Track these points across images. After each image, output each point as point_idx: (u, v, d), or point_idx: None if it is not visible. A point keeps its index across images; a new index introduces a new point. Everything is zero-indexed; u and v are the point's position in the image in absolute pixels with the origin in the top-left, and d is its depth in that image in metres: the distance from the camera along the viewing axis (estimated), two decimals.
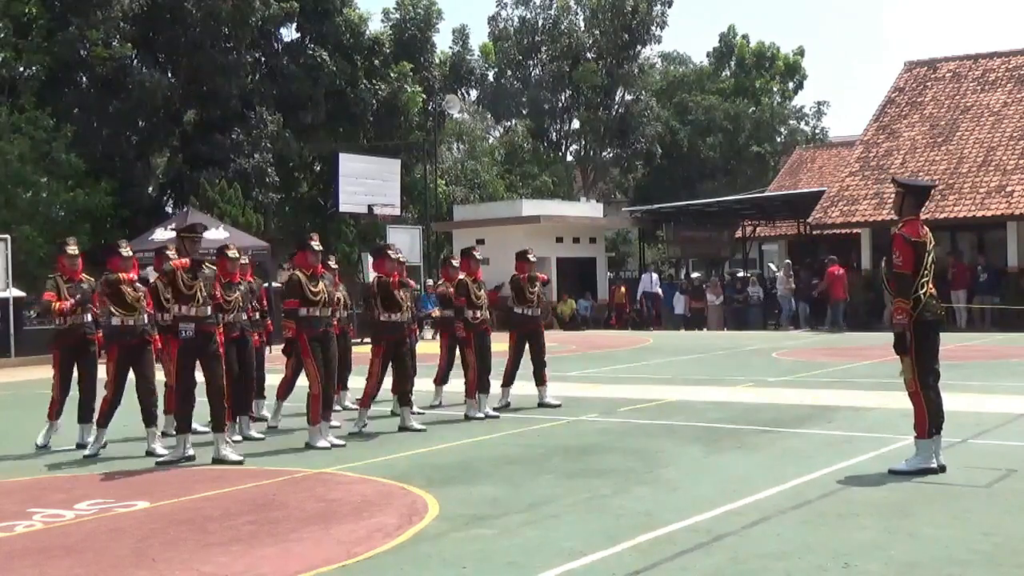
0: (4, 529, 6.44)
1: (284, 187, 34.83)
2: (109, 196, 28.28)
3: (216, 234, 22.15)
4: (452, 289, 11.27)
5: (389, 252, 10.38)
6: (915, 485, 6.88)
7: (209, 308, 8.80)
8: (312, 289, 9.37)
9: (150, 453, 9.01)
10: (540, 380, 11.52)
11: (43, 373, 18.93)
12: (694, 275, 33.90)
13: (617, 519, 6.20)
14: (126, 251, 9.49)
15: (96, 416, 9.35)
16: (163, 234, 22.51)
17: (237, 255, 10.15)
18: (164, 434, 9.48)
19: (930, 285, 7.29)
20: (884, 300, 22.28)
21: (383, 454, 8.80)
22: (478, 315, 11.00)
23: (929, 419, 7.19)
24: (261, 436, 9.94)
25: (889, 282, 7.46)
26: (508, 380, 11.52)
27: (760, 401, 11.60)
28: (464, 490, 7.20)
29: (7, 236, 21.84)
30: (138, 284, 9.41)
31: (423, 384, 11.84)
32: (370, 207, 28.04)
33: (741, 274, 30.69)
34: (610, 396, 11.72)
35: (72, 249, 9.77)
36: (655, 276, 31.03)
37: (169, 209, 33.09)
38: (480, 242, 29.48)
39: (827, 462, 7.72)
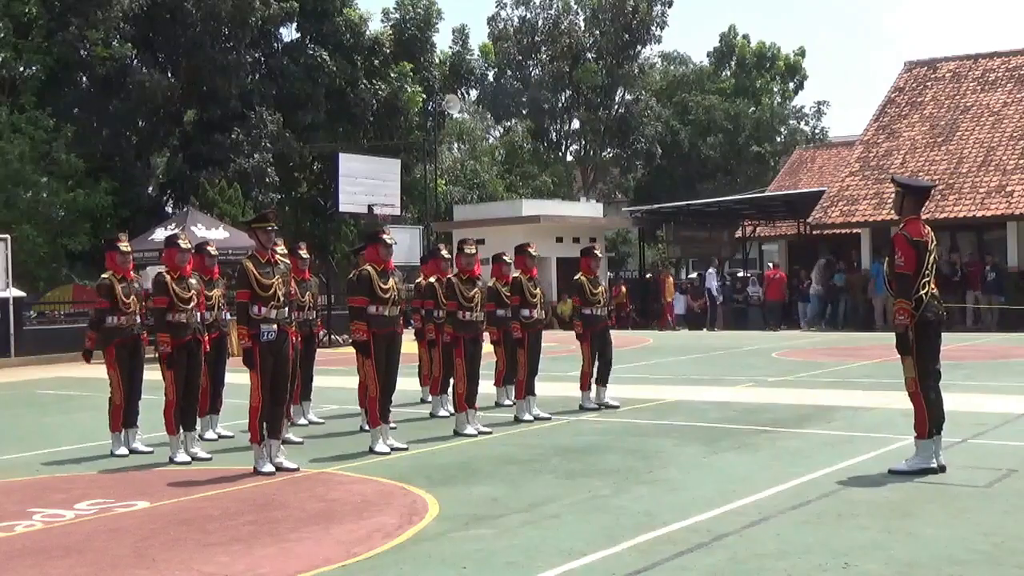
0: (4, 529, 6.43)
1: (284, 187, 34.82)
2: (109, 196, 28.28)
3: (216, 234, 22.15)
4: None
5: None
6: (915, 485, 6.88)
7: (287, 308, 8.28)
8: (382, 286, 8.95)
9: (192, 458, 8.68)
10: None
11: (43, 373, 19.02)
12: (692, 275, 33.89)
13: (617, 519, 6.20)
14: (185, 243, 9.18)
15: (166, 425, 8.92)
16: (163, 234, 22.50)
17: (307, 255, 10.11)
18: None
19: (931, 285, 7.27)
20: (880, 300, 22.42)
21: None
22: (533, 314, 10.81)
23: (929, 419, 7.18)
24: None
25: (890, 282, 7.44)
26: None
27: (760, 401, 11.59)
28: (464, 490, 7.20)
29: (7, 236, 21.83)
30: (191, 282, 9.09)
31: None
32: (370, 207, 28.01)
33: (741, 274, 30.68)
34: (610, 396, 11.69)
35: (125, 246, 9.37)
36: (715, 272, 29.83)
37: (169, 209, 33.10)
38: (480, 242, 29.42)
39: (827, 462, 7.72)
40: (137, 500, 7.20)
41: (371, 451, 8.83)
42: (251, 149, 31.21)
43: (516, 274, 10.90)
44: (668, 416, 10.62)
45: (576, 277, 11.37)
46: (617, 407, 11.22)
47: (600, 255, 11.71)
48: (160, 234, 23.24)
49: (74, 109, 30.25)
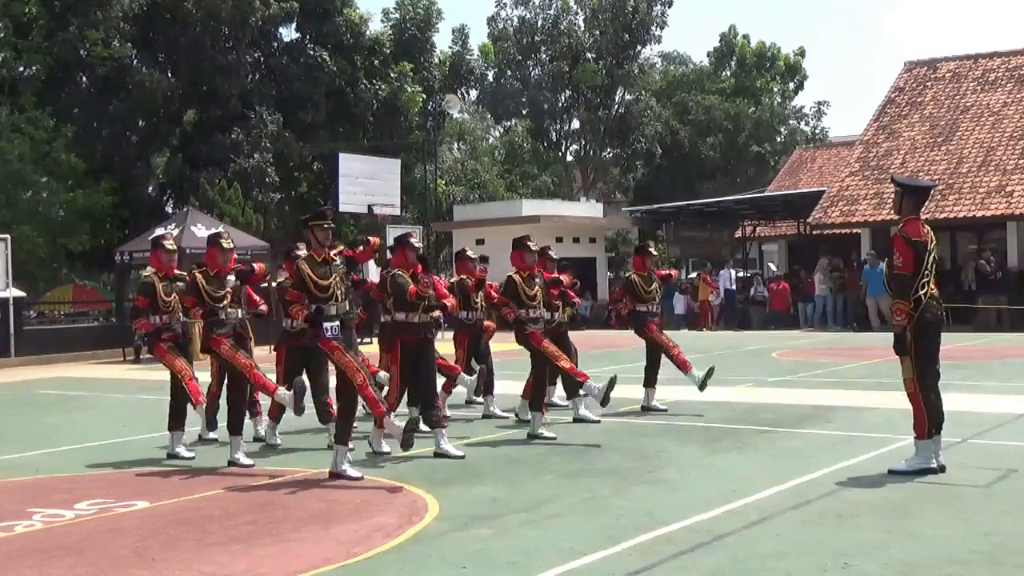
0: (4, 529, 6.43)
1: (284, 187, 34.83)
2: (109, 196, 28.30)
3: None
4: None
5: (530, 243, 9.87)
6: (915, 485, 6.88)
7: (348, 304, 8.03)
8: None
9: (232, 463, 8.42)
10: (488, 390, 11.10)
11: (43, 373, 19.02)
12: (692, 275, 33.80)
13: (617, 519, 6.20)
14: (227, 243, 8.94)
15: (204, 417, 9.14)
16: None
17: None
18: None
19: (931, 285, 7.26)
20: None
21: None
22: (555, 316, 10.61)
23: (928, 420, 7.17)
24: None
25: (889, 283, 7.44)
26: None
27: (760, 401, 11.60)
28: (464, 490, 7.20)
29: (7, 236, 21.83)
30: (230, 278, 8.86)
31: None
32: (370, 207, 28.03)
33: (742, 274, 30.63)
34: (610, 396, 11.68)
35: (170, 244, 9.28)
36: (732, 273, 28.91)
37: (169, 209, 33.14)
38: (480, 242, 29.47)
39: (827, 462, 7.71)
40: (137, 500, 7.20)
41: (371, 452, 8.83)
42: (251, 149, 31.23)
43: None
44: (668, 416, 10.62)
45: (628, 274, 11.23)
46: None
47: (655, 253, 11.47)
48: (161, 234, 23.28)
49: (74, 109, 30.27)
